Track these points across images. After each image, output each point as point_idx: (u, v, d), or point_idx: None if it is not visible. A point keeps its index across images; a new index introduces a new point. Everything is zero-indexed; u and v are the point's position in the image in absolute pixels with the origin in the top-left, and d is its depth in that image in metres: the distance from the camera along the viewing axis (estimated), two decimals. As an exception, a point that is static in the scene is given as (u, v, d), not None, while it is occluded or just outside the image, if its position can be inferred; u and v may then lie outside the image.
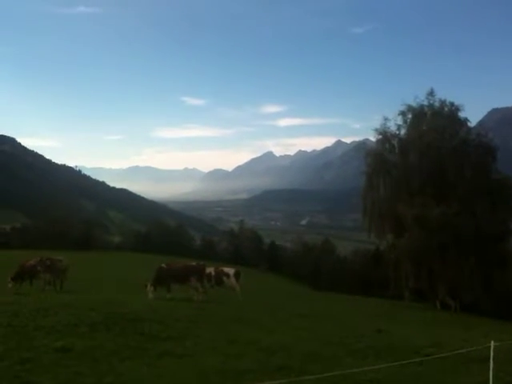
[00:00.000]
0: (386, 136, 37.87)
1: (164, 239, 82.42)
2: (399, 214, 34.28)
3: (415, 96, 37.73)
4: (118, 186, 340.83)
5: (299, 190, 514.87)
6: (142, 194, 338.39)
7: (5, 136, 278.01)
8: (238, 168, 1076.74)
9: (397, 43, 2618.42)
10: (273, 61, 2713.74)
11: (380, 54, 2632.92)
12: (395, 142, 37.95)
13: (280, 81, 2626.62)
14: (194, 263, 23.35)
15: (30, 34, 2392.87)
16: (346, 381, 8.75)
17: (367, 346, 12.20)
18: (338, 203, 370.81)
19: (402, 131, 37.93)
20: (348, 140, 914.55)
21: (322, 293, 46.21)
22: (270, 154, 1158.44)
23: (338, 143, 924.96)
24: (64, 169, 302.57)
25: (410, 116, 37.76)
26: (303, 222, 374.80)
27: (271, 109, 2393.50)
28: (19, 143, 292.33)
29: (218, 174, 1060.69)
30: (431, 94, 37.73)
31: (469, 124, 38.06)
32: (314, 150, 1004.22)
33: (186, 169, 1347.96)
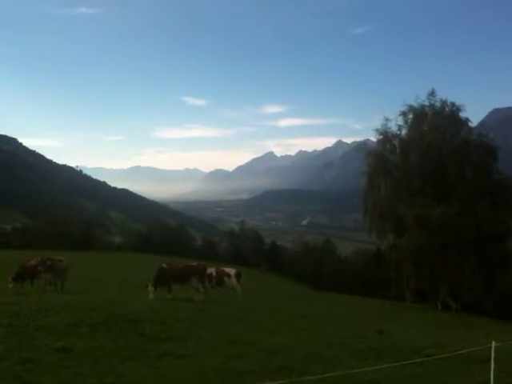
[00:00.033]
0: (386, 136, 37.86)
1: (165, 239, 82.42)
2: (400, 214, 34.27)
3: (416, 96, 37.78)
4: (119, 186, 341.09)
5: (300, 191, 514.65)
6: (143, 194, 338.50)
7: (6, 136, 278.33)
8: (239, 168, 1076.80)
9: (397, 43, 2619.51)
10: (273, 61, 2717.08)
11: (380, 54, 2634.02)
12: (396, 142, 37.94)
13: (281, 81, 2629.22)
14: (194, 263, 23.34)
15: (31, 35, 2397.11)
16: (347, 381, 8.73)
17: (368, 347, 12.18)
18: (339, 203, 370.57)
19: (403, 131, 37.96)
20: (349, 140, 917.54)
21: (322, 293, 46.18)
22: (270, 155, 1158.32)
23: (339, 143, 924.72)
24: (65, 169, 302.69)
25: (410, 116, 37.76)
26: (304, 223, 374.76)
27: (272, 109, 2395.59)
28: (20, 143, 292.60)
29: (218, 174, 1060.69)
30: (432, 94, 37.76)
31: (470, 124, 38.14)
32: (314, 151, 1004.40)
33: (186, 169, 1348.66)
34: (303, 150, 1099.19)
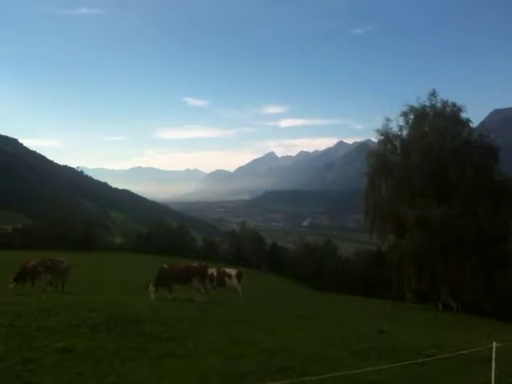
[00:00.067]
0: (387, 137, 37.83)
1: (166, 240, 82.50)
2: (401, 214, 34.25)
3: (417, 97, 37.74)
4: (120, 186, 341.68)
5: (301, 191, 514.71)
6: (144, 195, 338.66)
7: (7, 137, 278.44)
8: (240, 169, 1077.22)
9: (397, 44, 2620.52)
10: (274, 61, 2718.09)
11: (381, 54, 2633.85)
12: (397, 143, 37.92)
13: (281, 81, 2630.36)
14: (195, 264, 23.35)
15: (32, 35, 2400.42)
16: (348, 382, 8.73)
17: (369, 347, 12.18)
18: (340, 204, 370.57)
19: (404, 132, 37.94)
20: (350, 141, 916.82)
21: (323, 294, 46.16)
22: (271, 155, 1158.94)
23: (340, 144, 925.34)
24: (66, 170, 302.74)
25: (411, 117, 37.74)
26: (305, 223, 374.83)
27: (273, 109, 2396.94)
28: (21, 144, 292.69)
29: (219, 175, 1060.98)
30: (433, 94, 37.74)
31: (471, 125, 38.07)
32: (315, 151, 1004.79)
33: (187, 170, 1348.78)
34: (304, 150, 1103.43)
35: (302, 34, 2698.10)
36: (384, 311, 27.41)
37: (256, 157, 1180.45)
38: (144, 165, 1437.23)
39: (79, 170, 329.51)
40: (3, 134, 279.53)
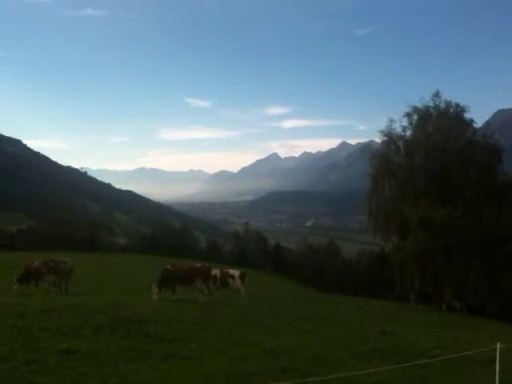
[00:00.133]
0: (391, 137, 37.79)
1: (169, 241, 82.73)
2: (404, 215, 34.20)
3: (421, 97, 37.67)
4: (124, 187, 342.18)
5: (304, 192, 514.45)
6: (148, 196, 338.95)
7: (11, 138, 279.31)
8: (243, 170, 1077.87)
9: (401, 45, 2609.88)
10: (277, 62, 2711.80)
11: (384, 55, 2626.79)
12: (400, 144, 37.87)
13: (285, 82, 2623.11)
14: (199, 265, 23.37)
15: (37, 37, 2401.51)
16: (351, 383, 8.73)
17: (372, 348, 12.16)
18: (343, 205, 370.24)
19: (408, 133, 37.88)
20: (353, 141, 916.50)
21: (326, 295, 46.12)
22: (274, 156, 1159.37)
23: (343, 145, 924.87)
24: (70, 171, 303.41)
25: (415, 117, 37.68)
26: (308, 224, 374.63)
27: (276, 110, 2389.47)
28: (25, 145, 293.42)
29: (222, 176, 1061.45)
30: (437, 95, 37.67)
31: (474, 125, 37.97)
32: (318, 152, 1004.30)
33: (190, 170, 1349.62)
34: (307, 151, 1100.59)
35: (304, 34, 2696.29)
36: (387, 312, 27.36)
37: (259, 158, 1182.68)
38: (147, 166, 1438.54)
39: (83, 170, 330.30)
40: (7, 135, 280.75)
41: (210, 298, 21.65)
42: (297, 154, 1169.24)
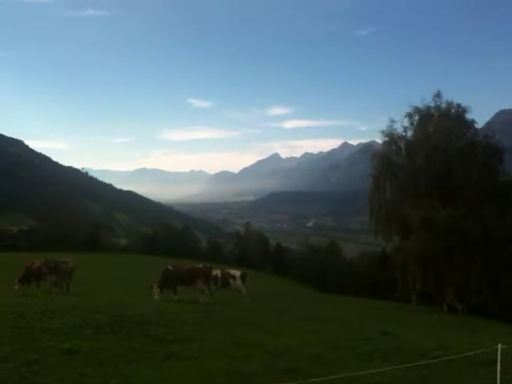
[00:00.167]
0: (392, 138, 37.73)
1: (170, 241, 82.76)
2: (406, 216, 34.14)
3: (422, 98, 37.53)
4: (125, 188, 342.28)
5: (305, 192, 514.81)
6: (149, 196, 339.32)
7: (12, 138, 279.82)
8: (244, 170, 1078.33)
9: (402, 45, 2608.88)
10: (278, 63, 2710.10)
11: (385, 56, 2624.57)
12: (402, 144, 37.81)
13: (286, 83, 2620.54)
14: (200, 265, 23.38)
15: (39, 38, 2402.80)
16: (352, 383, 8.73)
17: (373, 349, 12.15)
18: (345, 205, 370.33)
19: (409, 133, 37.78)
20: (354, 142, 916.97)
21: (328, 295, 46.11)
22: (276, 156, 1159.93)
23: (345, 145, 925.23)
24: (71, 171, 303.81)
25: (416, 118, 37.61)
26: (309, 224, 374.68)
27: (277, 111, 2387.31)
28: (26, 145, 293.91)
29: (224, 176, 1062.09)
30: (438, 95, 37.58)
31: (476, 126, 37.87)
32: (320, 152, 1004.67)
33: (192, 171, 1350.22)
34: (308, 151, 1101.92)
35: (305, 35, 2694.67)
36: (388, 313, 27.34)
37: (260, 158, 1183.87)
38: (149, 166, 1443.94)
39: (84, 171, 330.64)
40: (9, 135, 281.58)
41: (211, 298, 21.66)
42: (298, 154, 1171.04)
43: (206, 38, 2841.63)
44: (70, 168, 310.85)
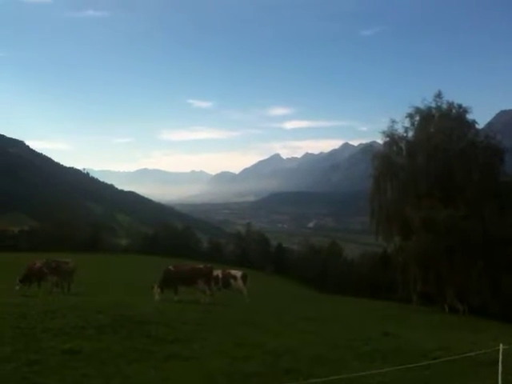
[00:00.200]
0: (393, 138, 37.72)
1: (171, 242, 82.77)
2: (407, 216, 34.13)
3: (423, 98, 37.52)
4: (126, 188, 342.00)
5: (306, 193, 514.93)
6: (150, 197, 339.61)
7: (13, 139, 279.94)
8: (245, 170, 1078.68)
9: (403, 46, 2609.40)
10: (279, 63, 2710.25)
11: (387, 56, 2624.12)
12: (403, 145, 37.79)
13: (286, 83, 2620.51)
14: (201, 266, 23.38)
15: (39, 38, 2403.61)
16: (353, 384, 8.72)
17: (374, 350, 12.14)
18: (345, 206, 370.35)
19: (410, 133, 37.77)
20: (355, 142, 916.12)
21: (328, 296, 46.08)
22: (277, 157, 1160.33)
23: (345, 146, 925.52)
24: (72, 171, 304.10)
25: (417, 118, 37.60)
26: (310, 225, 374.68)
27: (278, 111, 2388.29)
28: (27, 146, 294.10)
29: (225, 177, 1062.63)
30: (439, 96, 37.57)
31: (477, 126, 37.84)
32: (321, 153, 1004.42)
33: (193, 171, 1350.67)
34: (309, 152, 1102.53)
35: (306, 35, 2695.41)
36: (389, 313, 27.32)
37: (261, 158, 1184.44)
38: (150, 167, 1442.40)
39: (85, 171, 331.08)
40: (10, 136, 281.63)
41: (212, 298, 21.66)
42: (299, 154, 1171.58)
43: (207, 39, 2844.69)
44: (71, 169, 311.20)
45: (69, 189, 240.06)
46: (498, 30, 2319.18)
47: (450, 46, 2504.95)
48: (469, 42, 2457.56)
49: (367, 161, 40.97)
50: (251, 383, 8.65)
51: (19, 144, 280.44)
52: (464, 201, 33.20)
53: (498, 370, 8.80)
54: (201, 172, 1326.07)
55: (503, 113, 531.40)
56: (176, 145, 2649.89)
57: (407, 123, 37.69)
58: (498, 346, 9.22)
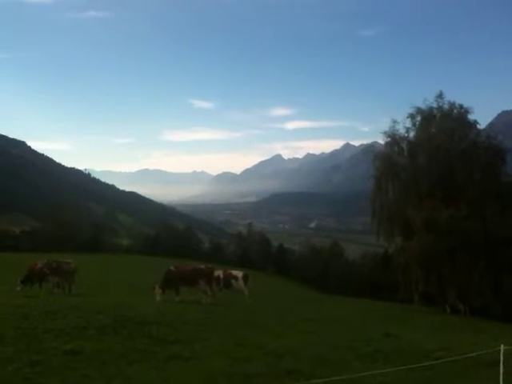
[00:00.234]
0: (394, 139, 37.72)
1: (173, 242, 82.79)
2: (408, 217, 34.12)
3: (424, 98, 37.55)
4: (127, 189, 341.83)
5: (307, 193, 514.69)
6: (151, 197, 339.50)
7: (15, 139, 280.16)
8: (247, 171, 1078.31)
9: (404, 46, 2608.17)
10: (280, 63, 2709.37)
11: (388, 56, 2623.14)
12: (404, 145, 37.80)
13: (288, 83, 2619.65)
14: (202, 266, 23.38)
15: (40, 39, 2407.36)
16: (355, 385, 8.71)
17: (376, 350, 12.13)
18: (347, 206, 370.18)
19: (411, 134, 37.78)
20: (356, 143, 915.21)
21: (329, 296, 46.04)
22: (278, 157, 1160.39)
23: (347, 146, 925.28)
24: (73, 172, 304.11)
25: (418, 118, 37.60)
26: (311, 225, 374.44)
27: (279, 112, 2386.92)
28: (29, 147, 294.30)
29: (226, 177, 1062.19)
30: (440, 96, 37.58)
31: (478, 126, 37.80)
32: (322, 153, 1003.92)
33: (194, 172, 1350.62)
34: (311, 152, 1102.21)
35: (307, 36, 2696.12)
36: (391, 314, 27.30)
37: (263, 159, 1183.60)
38: (151, 167, 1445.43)
39: (86, 172, 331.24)
40: (11, 136, 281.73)
41: (213, 299, 21.66)
42: (300, 155, 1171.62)
43: (208, 39, 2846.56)
44: (72, 169, 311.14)
45: (70, 189, 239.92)
46: (500, 29, 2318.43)
47: (450, 46, 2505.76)
48: (470, 41, 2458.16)
49: (368, 161, 40.97)
50: (252, 384, 8.65)
51: (21, 145, 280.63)
52: (465, 201, 33.19)
53: (499, 371, 8.79)
54: (202, 172, 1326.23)
55: (505, 113, 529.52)
56: (177, 145, 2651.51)
57: (408, 123, 37.74)
58: (500, 346, 9.21)
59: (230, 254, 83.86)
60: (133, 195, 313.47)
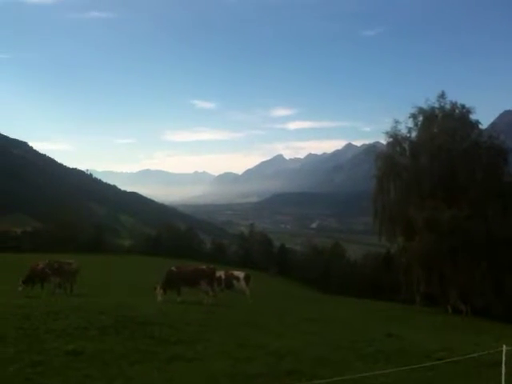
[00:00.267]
0: (396, 139, 37.72)
1: (174, 242, 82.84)
2: (410, 217, 34.12)
3: (426, 98, 37.64)
4: (129, 189, 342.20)
5: (309, 193, 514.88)
6: (153, 198, 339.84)
7: (17, 140, 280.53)
8: (248, 171, 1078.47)
9: (406, 46, 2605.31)
10: (282, 63, 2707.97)
11: (390, 56, 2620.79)
12: (406, 145, 37.80)
13: (289, 84, 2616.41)
14: (204, 266, 23.38)
15: (42, 40, 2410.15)
16: (356, 385, 8.70)
17: (377, 351, 12.11)
18: (348, 206, 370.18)
19: (413, 134, 37.81)
20: (358, 143, 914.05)
21: (331, 297, 46.03)
22: (280, 158, 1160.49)
23: (349, 146, 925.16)
24: (75, 172, 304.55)
25: (420, 119, 37.61)
26: (313, 226, 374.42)
27: (281, 112, 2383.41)
28: (31, 147, 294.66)
29: (228, 178, 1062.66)
30: (442, 96, 37.60)
31: (480, 126, 37.86)
32: (324, 153, 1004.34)
33: (196, 172, 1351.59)
34: (312, 152, 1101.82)
35: (309, 35, 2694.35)
36: (392, 314, 27.30)
37: (264, 159, 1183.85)
38: (153, 167, 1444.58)
39: (88, 172, 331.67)
40: (13, 137, 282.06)
41: (215, 299, 21.65)
42: (302, 155, 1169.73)
43: (210, 39, 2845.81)
44: (74, 170, 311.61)
45: (72, 190, 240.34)
46: (501, 29, 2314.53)
47: (452, 46, 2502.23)
48: (471, 41, 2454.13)
49: (370, 161, 41.03)
50: (254, 384, 8.64)
51: (22, 145, 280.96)
52: (467, 201, 33.17)
53: (501, 371, 8.78)
54: (204, 173, 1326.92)
55: (507, 113, 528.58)
56: (179, 145, 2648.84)
57: (410, 123, 37.78)
58: (502, 347, 9.19)
59: (232, 254, 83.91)
60: (134, 196, 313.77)
